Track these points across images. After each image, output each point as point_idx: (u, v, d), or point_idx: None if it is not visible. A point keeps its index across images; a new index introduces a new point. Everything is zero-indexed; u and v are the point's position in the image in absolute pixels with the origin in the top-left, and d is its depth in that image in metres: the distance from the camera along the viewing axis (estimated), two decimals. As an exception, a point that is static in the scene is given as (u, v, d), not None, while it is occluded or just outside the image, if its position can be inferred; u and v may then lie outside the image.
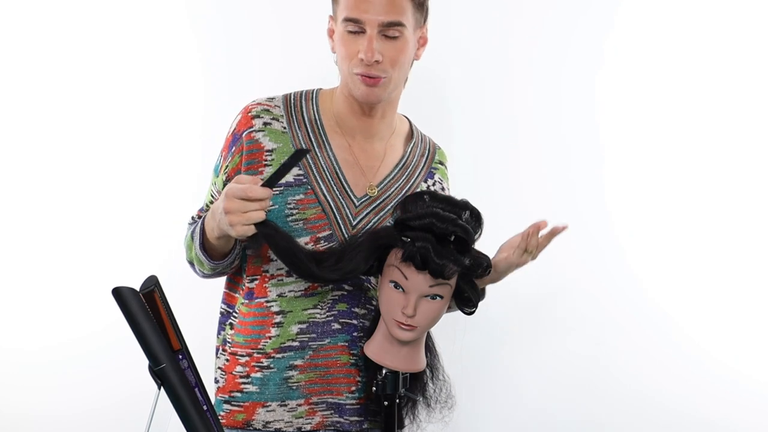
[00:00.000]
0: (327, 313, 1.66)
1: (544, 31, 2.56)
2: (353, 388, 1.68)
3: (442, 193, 1.76)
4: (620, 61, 2.54)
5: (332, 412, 1.67)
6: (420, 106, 2.55)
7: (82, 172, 2.49)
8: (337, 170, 1.68)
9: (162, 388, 1.39)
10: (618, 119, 2.54)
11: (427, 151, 1.82)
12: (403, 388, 1.62)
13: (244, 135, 1.66)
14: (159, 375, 1.33)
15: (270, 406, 1.65)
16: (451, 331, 1.81)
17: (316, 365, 1.65)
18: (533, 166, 2.53)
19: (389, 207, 1.70)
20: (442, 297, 1.54)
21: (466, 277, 1.58)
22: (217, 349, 1.75)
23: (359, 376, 1.68)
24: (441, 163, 1.85)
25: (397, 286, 1.53)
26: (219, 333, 1.75)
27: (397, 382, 1.61)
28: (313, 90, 1.75)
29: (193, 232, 1.67)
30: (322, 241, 1.64)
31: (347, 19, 1.58)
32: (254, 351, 1.66)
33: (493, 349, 2.52)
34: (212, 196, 1.73)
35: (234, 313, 1.72)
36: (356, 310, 1.68)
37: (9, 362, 2.49)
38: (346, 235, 1.65)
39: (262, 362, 1.65)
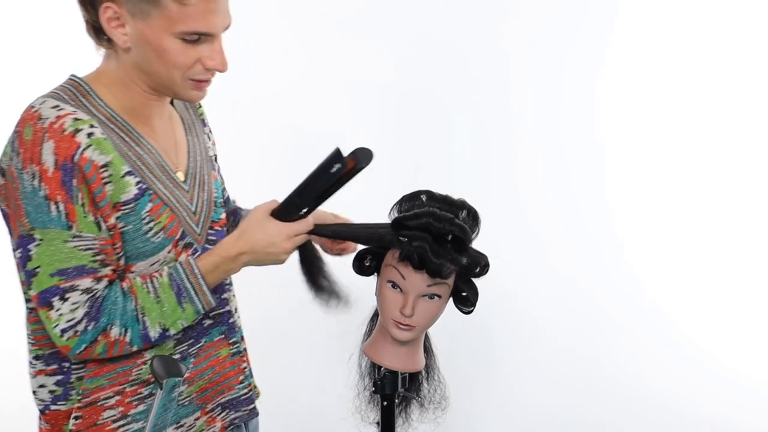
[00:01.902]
0: None
1: (544, 31, 2.57)
2: (242, 378, 1.64)
3: (440, 193, 1.76)
4: (620, 61, 2.55)
5: (228, 411, 1.62)
6: (420, 105, 2.56)
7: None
8: (162, 162, 1.52)
9: (162, 388, 1.40)
10: (617, 119, 2.55)
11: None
12: (402, 387, 1.62)
13: (77, 159, 1.37)
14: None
15: None
16: (449, 331, 1.81)
17: (202, 370, 1.57)
18: (531, 165, 2.54)
19: (206, 175, 1.61)
20: (440, 296, 1.54)
21: (463, 277, 1.58)
22: (68, 414, 1.51)
23: (243, 363, 1.66)
24: (200, 106, 1.72)
25: (395, 286, 1.53)
26: (68, 395, 1.51)
27: (396, 382, 1.61)
28: (79, 84, 1.48)
29: (182, 292, 1.46)
30: (180, 243, 1.51)
31: (191, 33, 1.41)
32: (126, 385, 1.49)
33: (491, 348, 2.53)
34: (90, 249, 1.41)
35: (71, 367, 1.50)
36: (223, 296, 1.62)
37: (9, 362, 2.50)
38: (193, 226, 1.54)
39: (141, 392, 1.51)
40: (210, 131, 1.71)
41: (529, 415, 2.52)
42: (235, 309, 1.69)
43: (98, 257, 1.41)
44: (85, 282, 1.40)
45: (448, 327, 1.77)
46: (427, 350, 1.71)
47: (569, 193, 2.52)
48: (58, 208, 1.38)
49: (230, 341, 1.62)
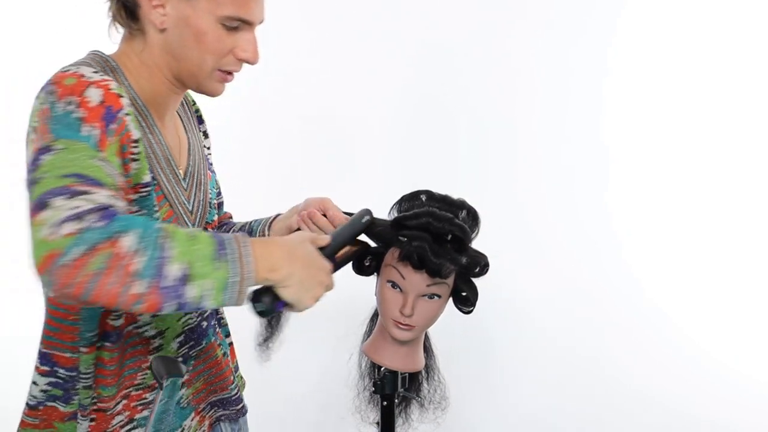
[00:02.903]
0: (196, 315, 1.53)
1: (548, 33, 2.57)
2: (232, 378, 1.63)
3: (440, 192, 1.76)
4: (622, 64, 2.55)
5: (216, 408, 1.61)
6: (422, 104, 2.56)
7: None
8: (168, 156, 1.46)
9: (163, 388, 1.40)
10: (617, 121, 2.55)
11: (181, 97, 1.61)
12: (402, 387, 1.62)
13: (121, 115, 1.27)
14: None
15: None
16: (449, 331, 1.81)
17: (199, 372, 1.55)
18: (531, 165, 2.54)
19: (203, 175, 1.57)
20: (439, 296, 1.54)
21: (463, 277, 1.58)
22: (70, 416, 1.43)
23: (231, 363, 1.65)
24: (194, 102, 1.69)
25: (394, 285, 1.53)
26: (70, 399, 1.42)
27: (396, 382, 1.60)
28: (106, 60, 1.41)
29: (222, 249, 1.16)
30: None
31: (234, 18, 1.39)
32: (132, 389, 1.44)
33: (491, 348, 2.53)
34: (113, 176, 1.19)
35: (83, 374, 1.40)
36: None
37: (9, 362, 2.50)
38: (190, 225, 1.49)
39: (146, 398, 1.45)
40: (206, 130, 1.69)
41: (529, 415, 2.52)
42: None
43: (118, 189, 1.20)
44: (103, 193, 1.14)
45: (448, 327, 1.77)
46: (427, 350, 1.70)
47: (569, 194, 2.52)
48: (91, 131, 1.21)
49: (218, 343, 1.60)
